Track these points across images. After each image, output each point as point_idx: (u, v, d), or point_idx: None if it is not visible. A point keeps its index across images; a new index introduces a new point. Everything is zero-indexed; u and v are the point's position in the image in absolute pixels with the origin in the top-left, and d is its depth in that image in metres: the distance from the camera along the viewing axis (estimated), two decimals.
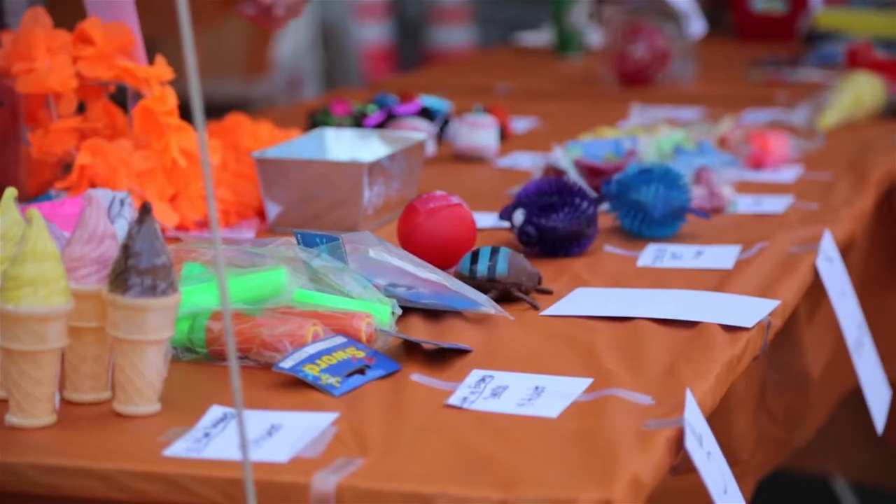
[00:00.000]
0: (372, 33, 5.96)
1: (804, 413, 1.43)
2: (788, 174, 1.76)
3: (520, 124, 2.09)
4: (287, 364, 1.01)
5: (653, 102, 2.20)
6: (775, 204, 1.60)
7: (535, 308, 1.22)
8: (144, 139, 1.39)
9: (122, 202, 1.19)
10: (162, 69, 1.40)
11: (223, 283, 0.81)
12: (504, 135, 1.95)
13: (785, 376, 1.38)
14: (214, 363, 1.06)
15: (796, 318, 1.36)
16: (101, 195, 1.01)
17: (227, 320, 0.81)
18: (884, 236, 1.82)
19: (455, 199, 1.33)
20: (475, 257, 1.24)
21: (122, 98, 1.44)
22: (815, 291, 1.39)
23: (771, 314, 1.20)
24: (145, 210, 0.94)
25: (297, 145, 1.50)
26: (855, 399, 1.49)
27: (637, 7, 2.55)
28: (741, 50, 2.94)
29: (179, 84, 1.17)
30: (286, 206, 1.42)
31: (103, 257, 0.95)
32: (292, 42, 5.01)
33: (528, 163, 1.80)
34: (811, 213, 1.56)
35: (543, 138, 1.89)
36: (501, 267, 1.23)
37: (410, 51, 6.46)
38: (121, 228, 1.17)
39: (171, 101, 1.38)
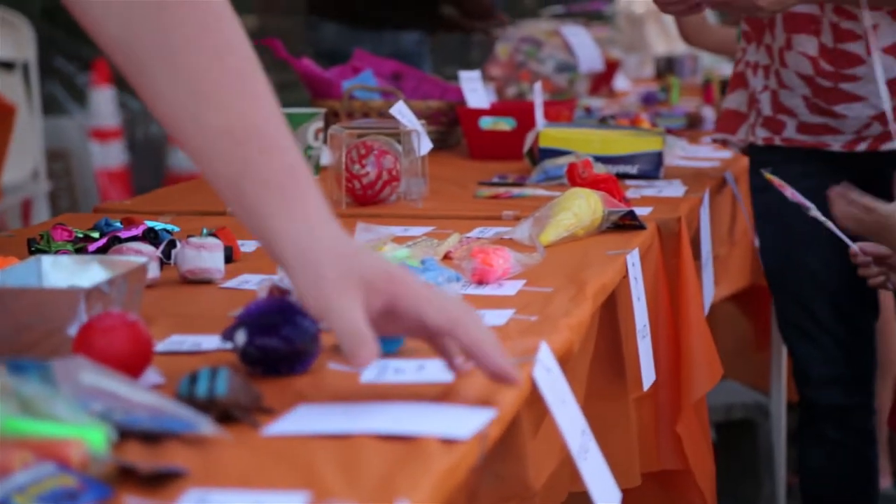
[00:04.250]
0: (108, 156, 5.91)
1: None
2: (511, 288, 1.80)
3: (250, 245, 2.10)
4: None
5: (384, 221, 2.23)
6: (497, 317, 1.63)
7: (256, 427, 1.22)
8: None
9: None
10: None
11: None
12: (232, 257, 1.95)
13: (505, 486, 1.40)
14: None
15: (519, 428, 1.39)
16: None
17: None
18: (603, 346, 1.88)
19: (129, 318, 1.32)
20: (194, 378, 1.23)
21: None
22: (540, 402, 1.42)
23: (488, 424, 1.23)
24: None
25: (11, 273, 1.47)
26: None
27: (365, 126, 2.59)
28: (472, 168, 3.02)
29: None
30: None
31: None
32: (24, 167, 4.92)
33: (255, 284, 1.80)
34: (530, 325, 1.60)
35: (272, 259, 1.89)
36: (220, 387, 1.23)
37: (150, 172, 6.41)
38: None
39: None
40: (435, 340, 1.32)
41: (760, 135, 2.78)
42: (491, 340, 1.28)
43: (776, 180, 2.44)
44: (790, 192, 2.42)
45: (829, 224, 2.39)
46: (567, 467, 1.52)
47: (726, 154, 3.23)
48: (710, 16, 4.53)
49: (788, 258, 2.79)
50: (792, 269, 2.79)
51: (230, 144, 1.30)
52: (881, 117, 2.62)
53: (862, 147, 2.68)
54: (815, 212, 2.41)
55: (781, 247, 2.80)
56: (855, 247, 2.38)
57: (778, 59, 2.70)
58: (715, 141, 2.96)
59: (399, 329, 1.31)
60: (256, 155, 1.30)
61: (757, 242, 2.88)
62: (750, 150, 2.84)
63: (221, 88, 1.31)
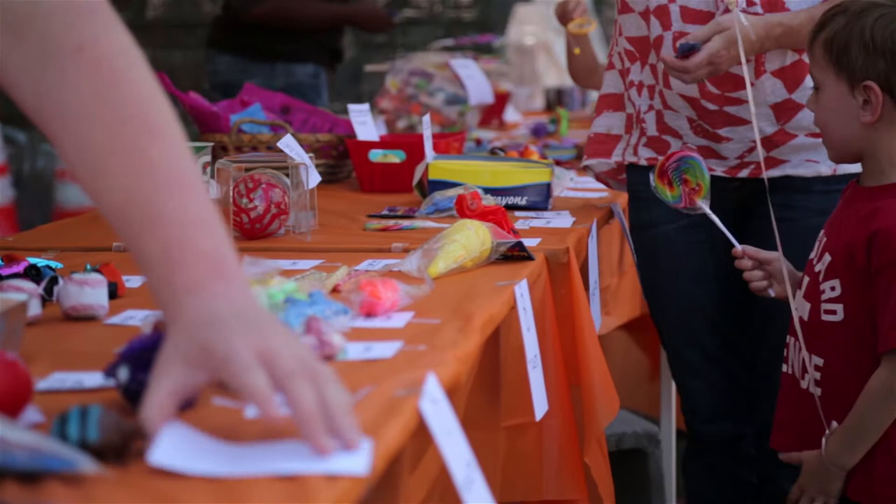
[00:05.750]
0: None
1: None
2: (399, 320, 1.80)
3: (135, 281, 2.07)
4: None
5: (272, 255, 2.22)
6: (385, 349, 1.63)
7: (132, 464, 1.20)
8: None
9: None
10: None
11: None
12: (118, 292, 1.93)
13: None
14: None
15: (401, 460, 1.38)
16: None
17: None
18: (480, 375, 1.88)
19: (7, 357, 1.30)
20: (64, 421, 1.21)
21: None
22: (424, 432, 1.41)
23: (373, 457, 1.22)
24: None
25: None
26: None
27: (253, 159, 2.58)
28: (362, 200, 3.01)
29: None
30: None
31: None
32: None
33: (140, 320, 1.78)
34: (418, 357, 1.60)
35: None
36: (92, 433, 1.20)
37: (37, 208, 6.32)
38: None
39: None
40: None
41: (644, 155, 2.74)
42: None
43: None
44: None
45: (713, 217, 2.42)
46: (434, 500, 1.52)
47: None
48: (600, 55, 4.58)
49: (674, 293, 2.77)
50: (678, 304, 2.78)
51: (120, 221, 1.30)
52: (765, 141, 2.59)
53: (744, 173, 2.66)
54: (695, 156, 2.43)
55: (666, 282, 2.78)
56: (739, 247, 2.40)
57: (662, 79, 2.67)
58: (583, 168, 2.94)
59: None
60: (145, 232, 1.29)
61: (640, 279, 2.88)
62: (629, 171, 2.81)
63: (112, 162, 1.30)
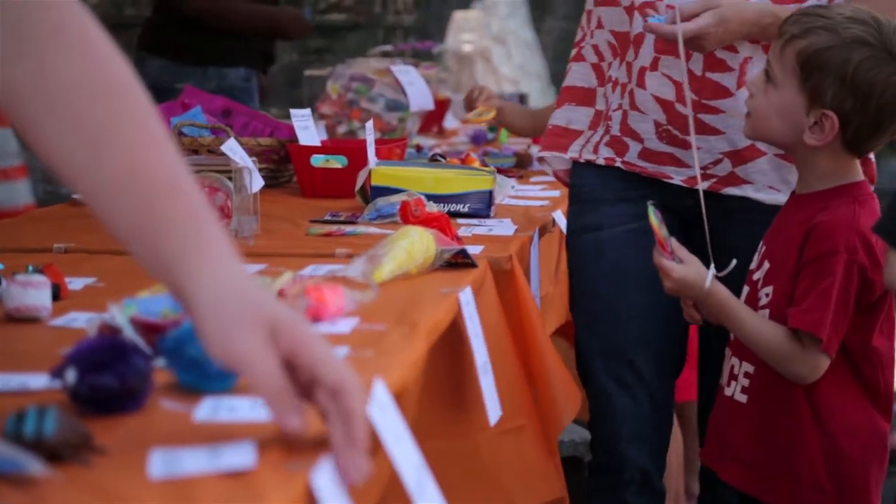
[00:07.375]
0: None
1: None
2: (345, 326, 1.79)
3: (78, 283, 2.06)
4: None
5: None
6: None
7: (86, 466, 1.19)
8: None
9: None
10: None
11: None
12: (61, 294, 1.91)
13: None
14: None
15: None
16: None
17: None
18: (436, 382, 1.89)
19: None
20: (21, 417, 1.20)
21: None
22: (373, 439, 1.41)
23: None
24: None
25: None
26: None
27: (194, 162, 2.57)
28: (304, 205, 3.00)
29: None
30: None
31: None
32: None
33: (84, 322, 1.77)
34: (365, 362, 1.60)
35: (102, 297, 1.86)
36: (49, 427, 1.20)
37: None
38: None
39: None
40: (317, 398, 1.26)
41: (604, 154, 2.59)
42: (363, 418, 1.25)
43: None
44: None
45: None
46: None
47: (555, 193, 3.26)
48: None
49: (611, 301, 2.57)
50: (613, 312, 2.56)
51: (131, 189, 1.26)
52: (733, 155, 2.47)
53: (704, 185, 2.44)
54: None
55: (607, 290, 2.57)
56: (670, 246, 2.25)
57: (636, 78, 2.52)
58: (541, 160, 2.75)
59: (291, 380, 1.25)
60: (159, 199, 1.26)
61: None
62: (576, 170, 2.65)
63: (115, 131, 1.27)
